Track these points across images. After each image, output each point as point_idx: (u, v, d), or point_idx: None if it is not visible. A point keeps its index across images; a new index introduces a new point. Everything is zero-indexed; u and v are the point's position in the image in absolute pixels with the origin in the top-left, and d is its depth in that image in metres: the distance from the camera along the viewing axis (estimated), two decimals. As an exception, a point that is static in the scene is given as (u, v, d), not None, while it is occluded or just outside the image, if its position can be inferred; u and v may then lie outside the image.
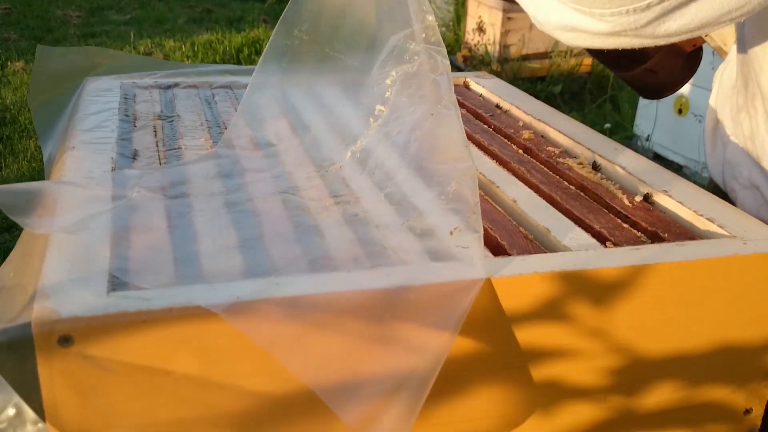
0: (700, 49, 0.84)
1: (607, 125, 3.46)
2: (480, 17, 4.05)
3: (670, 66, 0.82)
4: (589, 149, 0.82)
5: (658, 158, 3.15)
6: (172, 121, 0.85)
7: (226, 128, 0.84)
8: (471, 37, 4.15)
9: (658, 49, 0.79)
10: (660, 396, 0.62)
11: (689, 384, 0.62)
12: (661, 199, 0.70)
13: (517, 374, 0.57)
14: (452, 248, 0.59)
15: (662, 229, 0.65)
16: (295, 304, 0.51)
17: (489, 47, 4.01)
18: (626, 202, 0.70)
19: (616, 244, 0.61)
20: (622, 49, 0.77)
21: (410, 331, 0.53)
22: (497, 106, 1.00)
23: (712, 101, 0.93)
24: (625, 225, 0.66)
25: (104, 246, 0.55)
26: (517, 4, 0.80)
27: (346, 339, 0.52)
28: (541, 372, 0.58)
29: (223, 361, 0.50)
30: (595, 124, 3.38)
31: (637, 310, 0.58)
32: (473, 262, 0.55)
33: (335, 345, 0.51)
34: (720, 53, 0.79)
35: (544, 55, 4.05)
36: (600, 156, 0.80)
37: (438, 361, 0.51)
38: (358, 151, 0.74)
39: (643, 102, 3.25)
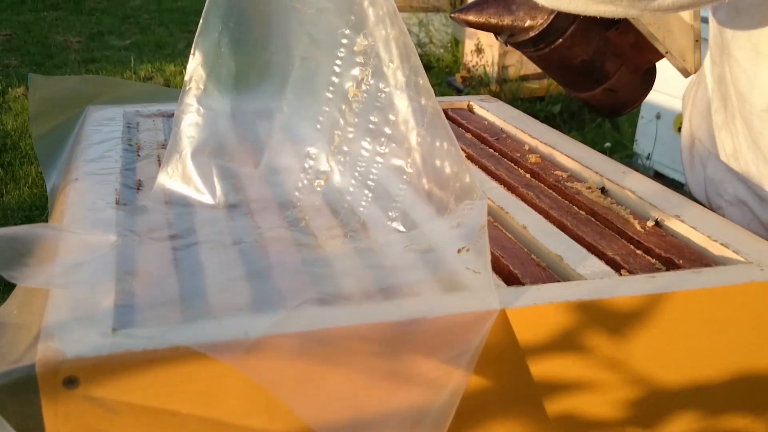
0: (655, 67, 0.84)
1: (607, 144, 3.46)
2: (478, 38, 4.07)
3: (629, 84, 0.82)
4: (597, 173, 0.81)
5: (658, 176, 3.14)
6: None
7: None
8: (469, 58, 4.17)
9: (618, 68, 0.79)
10: (678, 427, 0.60)
11: (708, 414, 0.61)
12: (673, 224, 0.69)
13: (533, 408, 0.56)
14: (463, 272, 0.57)
15: (676, 255, 0.63)
16: (306, 340, 0.50)
17: (487, 68, 4.02)
18: (638, 227, 0.69)
19: (630, 272, 0.60)
20: (583, 70, 0.77)
21: (424, 365, 0.51)
22: (501, 130, 0.99)
23: (686, 122, 0.94)
24: (638, 251, 0.64)
25: (108, 283, 0.54)
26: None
27: (357, 375, 0.51)
28: (557, 405, 0.56)
29: (230, 401, 0.49)
30: (595, 144, 3.37)
31: (654, 339, 0.57)
32: (487, 293, 0.54)
33: (346, 382, 0.50)
34: (680, 71, 0.79)
35: (542, 76, 4.06)
36: (608, 180, 0.79)
37: (455, 396, 0.50)
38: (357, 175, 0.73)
39: (642, 121, 3.25)
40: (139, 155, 0.82)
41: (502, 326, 0.53)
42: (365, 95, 0.66)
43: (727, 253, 0.63)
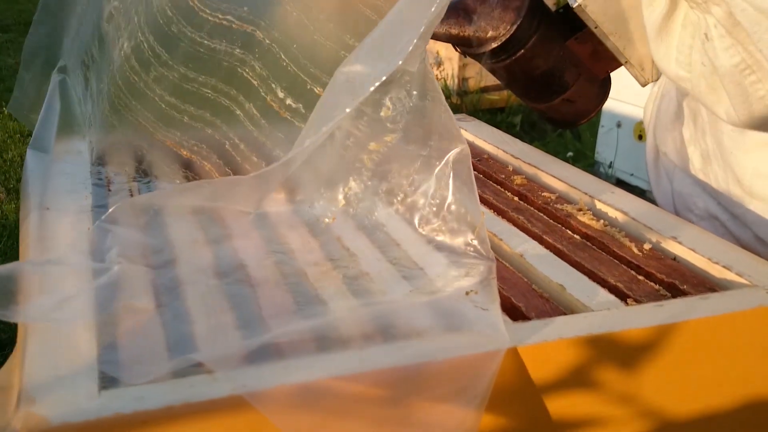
0: (610, 77, 0.85)
1: (570, 154, 3.48)
2: (437, 51, 4.07)
3: (587, 94, 0.83)
4: (586, 193, 0.79)
5: (621, 184, 3.17)
6: (149, 182, 0.80)
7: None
8: (429, 71, 4.16)
9: (576, 78, 0.79)
10: (690, 458, 0.58)
11: (719, 443, 0.59)
12: (671, 246, 0.67)
13: (545, 448, 0.53)
14: (469, 310, 0.55)
15: (679, 280, 0.62)
16: (306, 391, 0.47)
17: (448, 81, 4.03)
18: (635, 250, 0.67)
19: (637, 301, 0.58)
20: (542, 81, 0.77)
21: (433, 410, 0.48)
22: (483, 150, 0.97)
23: (650, 135, 0.94)
24: (640, 277, 0.63)
25: (89, 335, 0.50)
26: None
27: (362, 426, 0.48)
28: (569, 443, 0.54)
29: (232, 460, 0.45)
30: (557, 153, 3.39)
31: (664, 370, 0.55)
32: (494, 331, 0.51)
33: (355, 435, 0.47)
34: (639, 80, 0.79)
35: (501, 87, 4.07)
36: (599, 200, 0.77)
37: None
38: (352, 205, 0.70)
39: (603, 130, 3.28)
40: (110, 190, 0.77)
41: (513, 365, 0.50)
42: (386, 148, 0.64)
43: (730, 276, 0.62)
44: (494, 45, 0.76)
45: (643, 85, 0.80)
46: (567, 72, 0.80)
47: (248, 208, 0.69)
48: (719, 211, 0.82)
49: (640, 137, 3.11)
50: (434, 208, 0.61)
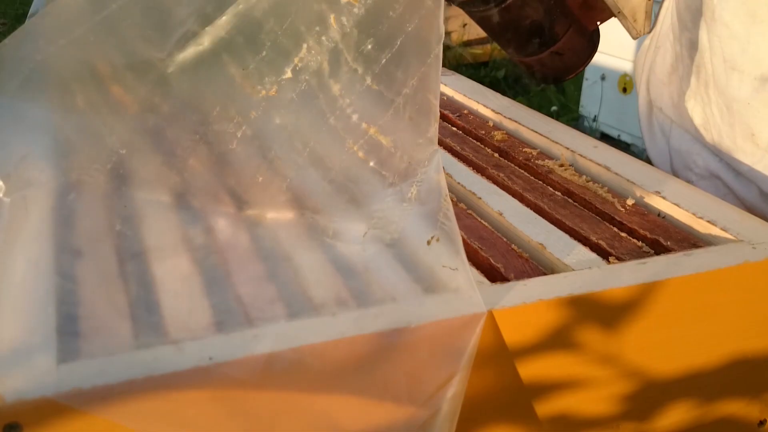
0: (599, 30, 0.82)
1: (554, 108, 3.45)
2: (419, 5, 4.00)
3: (575, 46, 0.81)
4: (567, 148, 0.77)
5: (605, 137, 3.15)
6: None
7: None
8: (411, 25, 4.10)
9: (566, 30, 0.77)
10: (674, 417, 0.57)
11: (703, 401, 0.58)
12: (654, 201, 0.66)
13: (525, 411, 0.52)
14: (439, 270, 0.53)
15: (663, 236, 0.60)
16: (277, 361, 0.45)
17: (430, 35, 3.96)
18: (618, 206, 0.65)
19: (619, 259, 0.56)
20: (531, 32, 0.75)
21: (415, 379, 0.47)
22: (462, 105, 0.94)
23: (642, 89, 0.91)
24: (622, 234, 0.61)
25: (46, 301, 0.48)
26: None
27: (337, 397, 0.46)
28: (550, 406, 0.53)
29: (198, 435, 0.43)
30: (541, 107, 3.36)
31: (647, 330, 0.53)
32: (471, 293, 0.49)
33: (326, 407, 0.45)
34: (630, 32, 0.77)
35: (485, 41, 4.02)
36: (580, 155, 0.75)
37: (454, 411, 0.45)
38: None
39: (587, 83, 3.25)
40: None
41: (490, 329, 0.49)
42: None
43: (715, 231, 0.60)
44: None
45: (635, 37, 0.78)
46: (557, 23, 0.77)
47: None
48: (721, 169, 0.79)
49: (625, 90, 3.08)
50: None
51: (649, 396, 0.56)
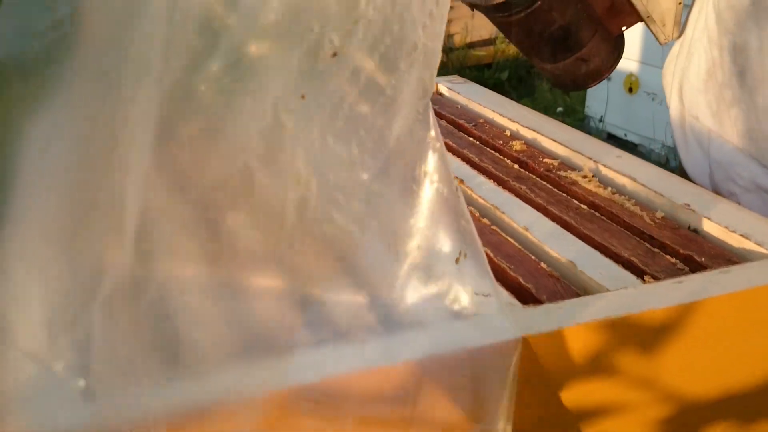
0: (624, 37, 0.80)
1: (559, 109, 3.43)
2: (421, 7, 3.98)
3: (601, 52, 0.78)
4: (590, 158, 0.75)
5: (611, 138, 3.13)
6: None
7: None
8: (414, 28, 4.08)
9: (592, 35, 0.75)
10: (711, 439, 0.56)
11: (742, 423, 0.56)
12: (685, 215, 0.64)
13: (562, 438, 0.50)
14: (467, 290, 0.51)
15: (696, 251, 0.58)
16: (306, 393, 0.43)
17: (433, 37, 3.94)
18: (647, 220, 0.63)
19: (654, 277, 0.54)
20: (557, 37, 0.72)
21: (446, 409, 0.45)
22: (478, 114, 0.92)
23: (674, 98, 0.87)
24: (654, 249, 0.59)
25: (64, 337, 0.46)
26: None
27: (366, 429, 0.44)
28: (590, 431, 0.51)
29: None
30: (546, 109, 3.34)
31: (685, 351, 0.51)
32: (504, 318, 0.47)
33: (361, 441, 0.43)
34: (658, 37, 0.75)
35: (488, 42, 4.00)
36: (604, 166, 0.73)
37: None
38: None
39: (593, 83, 3.23)
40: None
41: (526, 354, 0.47)
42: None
43: (749, 245, 0.58)
44: None
45: (663, 42, 0.75)
46: (583, 28, 0.75)
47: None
48: None
49: (631, 90, 3.06)
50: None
51: (689, 419, 0.54)
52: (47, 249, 0.44)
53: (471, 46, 3.96)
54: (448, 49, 3.94)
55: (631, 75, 3.04)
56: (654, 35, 0.74)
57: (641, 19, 0.75)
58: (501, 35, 3.97)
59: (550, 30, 0.74)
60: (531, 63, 0.81)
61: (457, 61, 3.92)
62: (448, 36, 3.92)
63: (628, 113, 3.07)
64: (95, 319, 0.48)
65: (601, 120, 3.20)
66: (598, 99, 3.21)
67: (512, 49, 4.00)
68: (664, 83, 0.92)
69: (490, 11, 0.74)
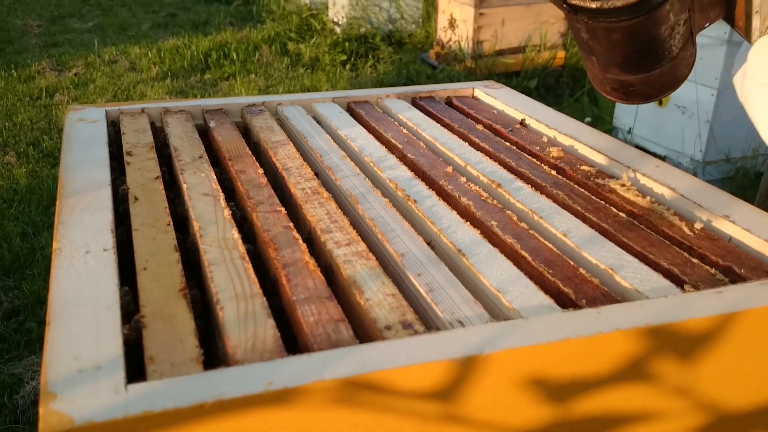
0: (696, 42, 0.75)
1: (588, 119, 3.42)
2: (451, 14, 3.99)
3: (686, 56, 0.72)
4: (628, 167, 0.75)
5: (640, 150, 3.11)
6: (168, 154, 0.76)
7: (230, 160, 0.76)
8: (443, 33, 4.08)
9: (686, 40, 0.69)
10: (746, 452, 0.55)
11: (777, 437, 0.56)
12: (724, 226, 0.63)
13: (596, 443, 0.50)
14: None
15: (735, 263, 0.58)
16: (346, 387, 0.43)
17: (462, 43, 3.95)
18: (686, 230, 0.63)
19: (694, 287, 0.54)
20: (661, 38, 0.65)
21: (488, 407, 0.45)
22: (515, 120, 0.92)
23: (760, 95, 0.81)
24: (693, 259, 0.59)
25: (114, 324, 0.47)
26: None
27: (407, 424, 0.44)
28: (622, 438, 0.51)
29: (267, 462, 0.42)
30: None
31: (723, 361, 0.51)
32: (544, 320, 0.47)
33: (401, 436, 0.44)
34: (752, 32, 0.70)
35: (517, 50, 4.00)
36: (643, 175, 0.73)
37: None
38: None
39: (622, 94, 3.20)
40: (128, 164, 0.74)
41: (566, 356, 0.47)
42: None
43: (790, 259, 0.58)
44: (632, 0, 0.62)
45: (754, 41, 0.68)
46: (683, 31, 0.69)
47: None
48: None
49: (660, 102, 3.04)
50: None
51: (725, 428, 0.54)
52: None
53: (500, 53, 3.95)
54: (476, 56, 3.94)
55: (661, 87, 3.02)
56: (745, 32, 0.69)
57: (724, 15, 0.70)
58: (531, 43, 3.96)
59: (654, 34, 0.67)
60: (612, 75, 0.71)
61: (485, 68, 3.92)
62: (478, 43, 3.92)
63: (656, 125, 3.05)
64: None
65: (629, 132, 3.19)
66: (626, 110, 3.19)
67: (541, 58, 3.99)
68: (738, 92, 0.84)
69: (595, 14, 0.66)
